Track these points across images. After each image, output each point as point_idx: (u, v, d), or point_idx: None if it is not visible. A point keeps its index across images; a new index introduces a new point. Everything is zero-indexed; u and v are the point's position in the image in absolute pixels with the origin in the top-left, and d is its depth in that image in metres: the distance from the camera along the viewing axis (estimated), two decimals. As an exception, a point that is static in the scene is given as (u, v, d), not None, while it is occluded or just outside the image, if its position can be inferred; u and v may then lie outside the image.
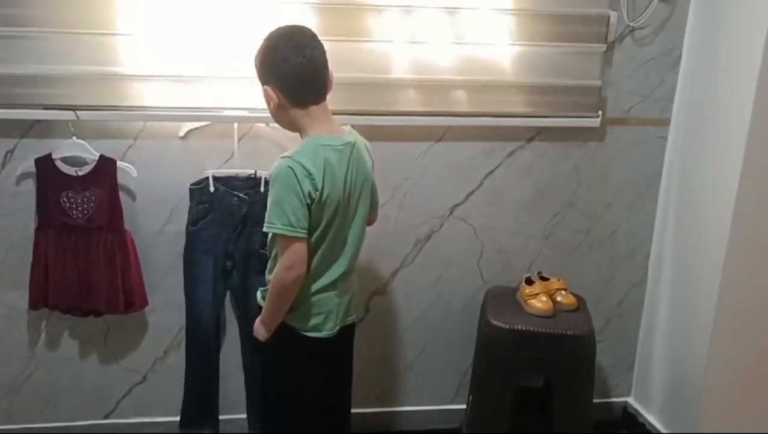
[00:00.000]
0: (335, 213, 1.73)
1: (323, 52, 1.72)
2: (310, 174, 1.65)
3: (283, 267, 1.69)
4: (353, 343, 1.98)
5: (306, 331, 1.79)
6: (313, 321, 1.79)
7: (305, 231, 1.68)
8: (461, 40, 2.20)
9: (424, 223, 2.39)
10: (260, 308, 1.82)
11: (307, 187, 1.65)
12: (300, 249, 1.68)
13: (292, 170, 1.65)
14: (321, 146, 1.69)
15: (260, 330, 1.80)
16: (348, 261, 1.80)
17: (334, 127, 1.77)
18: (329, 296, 1.79)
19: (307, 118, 1.72)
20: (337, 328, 1.83)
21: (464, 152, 2.34)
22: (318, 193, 1.67)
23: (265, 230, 1.71)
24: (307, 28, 1.73)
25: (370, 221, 1.90)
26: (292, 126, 1.76)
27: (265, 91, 1.72)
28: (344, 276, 1.81)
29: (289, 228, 1.66)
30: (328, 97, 1.76)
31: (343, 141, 1.74)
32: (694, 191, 2.28)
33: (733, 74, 2.09)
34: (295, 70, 1.67)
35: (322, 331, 1.80)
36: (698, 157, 2.26)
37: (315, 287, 1.77)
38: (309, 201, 1.66)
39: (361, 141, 1.81)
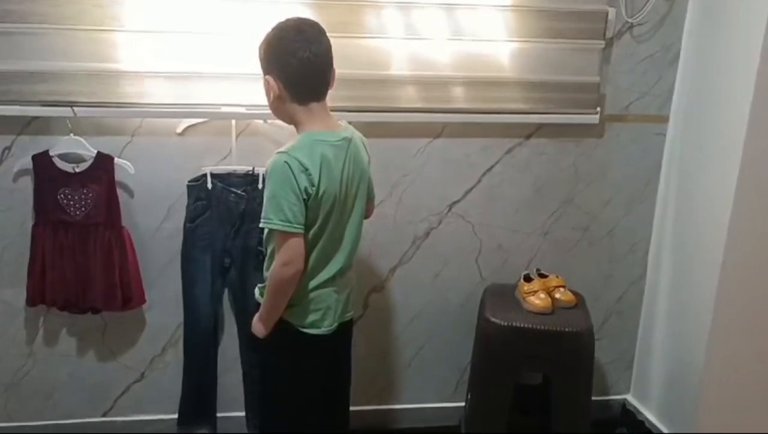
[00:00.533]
0: (332, 209, 1.72)
1: (330, 49, 1.71)
2: (306, 169, 1.64)
3: (280, 263, 1.69)
4: (351, 340, 1.98)
5: (304, 328, 1.78)
6: (312, 318, 1.78)
7: (302, 227, 1.67)
8: (459, 37, 2.19)
9: (423, 220, 2.39)
10: (258, 305, 1.81)
11: (304, 182, 1.64)
12: (297, 245, 1.68)
13: (288, 165, 1.63)
14: (317, 142, 1.69)
15: (258, 326, 1.80)
16: (346, 257, 1.79)
17: (331, 123, 1.76)
18: (327, 292, 1.78)
19: (306, 114, 1.72)
20: (336, 324, 1.82)
21: (462, 148, 2.34)
22: (314, 189, 1.66)
23: (261, 225, 1.70)
24: (316, 23, 1.72)
25: (366, 214, 1.89)
26: (290, 119, 1.76)
27: (266, 81, 1.71)
28: (342, 272, 1.80)
29: (286, 224, 1.65)
30: (329, 93, 1.76)
31: (339, 136, 1.73)
32: (693, 187, 2.28)
33: (732, 71, 2.09)
34: (300, 64, 1.66)
35: (320, 328, 1.79)
36: (697, 154, 2.26)
37: (313, 283, 1.76)
38: (305, 196, 1.65)
39: (357, 136, 1.81)
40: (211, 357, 2.34)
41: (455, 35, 2.19)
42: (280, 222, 1.65)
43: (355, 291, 1.92)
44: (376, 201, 2.00)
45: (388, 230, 2.36)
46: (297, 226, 1.66)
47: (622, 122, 2.38)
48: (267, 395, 1.94)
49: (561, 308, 2.25)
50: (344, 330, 1.89)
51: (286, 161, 1.64)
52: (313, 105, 1.71)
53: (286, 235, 1.66)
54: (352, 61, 2.12)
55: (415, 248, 2.41)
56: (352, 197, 1.78)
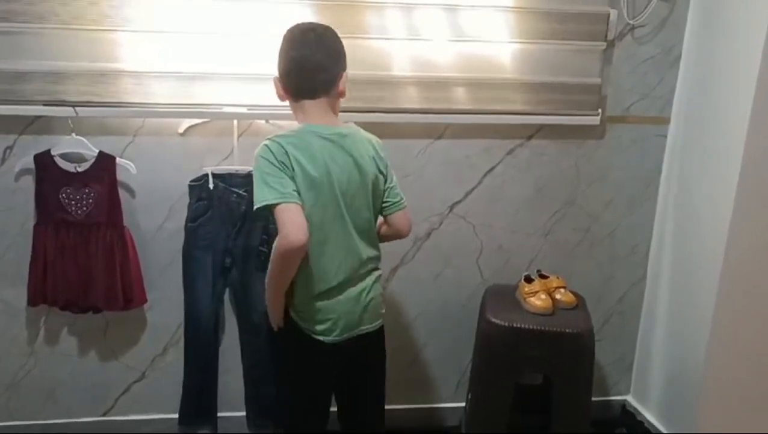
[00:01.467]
0: (328, 202, 1.70)
1: (333, 54, 1.73)
2: (286, 150, 1.67)
3: (282, 236, 1.63)
4: (382, 348, 1.91)
5: (315, 334, 1.76)
6: (321, 327, 1.76)
7: (294, 196, 1.64)
8: (461, 38, 2.20)
9: (424, 220, 2.39)
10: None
11: (282, 157, 1.66)
12: (294, 214, 1.62)
13: (268, 147, 1.68)
14: (307, 132, 1.71)
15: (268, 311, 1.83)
16: (356, 263, 1.77)
17: (330, 120, 1.76)
18: (336, 302, 1.76)
19: (299, 110, 1.75)
20: (349, 335, 1.78)
21: (464, 149, 2.34)
22: (298, 165, 1.66)
23: (255, 208, 1.66)
24: (324, 30, 1.74)
25: (400, 227, 1.87)
26: (294, 114, 1.79)
27: (275, 78, 1.77)
28: (350, 281, 1.77)
29: (277, 196, 1.62)
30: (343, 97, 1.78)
31: (333, 131, 1.73)
32: (694, 189, 2.28)
33: (733, 72, 2.09)
34: (294, 63, 1.71)
35: (329, 336, 1.77)
36: (698, 155, 2.26)
37: (321, 292, 1.74)
38: (290, 172, 1.66)
39: (362, 136, 1.79)
40: (211, 356, 2.34)
41: (457, 36, 2.20)
42: (271, 197, 1.63)
43: (377, 301, 1.85)
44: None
45: (389, 231, 2.36)
46: (288, 195, 1.63)
47: (623, 124, 2.38)
48: (279, 387, 2.00)
49: (561, 309, 2.25)
50: (364, 341, 1.83)
51: (266, 144, 1.69)
52: (306, 102, 1.74)
53: (281, 208, 1.62)
54: (353, 61, 2.08)
55: (416, 248, 2.42)
56: (351, 198, 1.74)
